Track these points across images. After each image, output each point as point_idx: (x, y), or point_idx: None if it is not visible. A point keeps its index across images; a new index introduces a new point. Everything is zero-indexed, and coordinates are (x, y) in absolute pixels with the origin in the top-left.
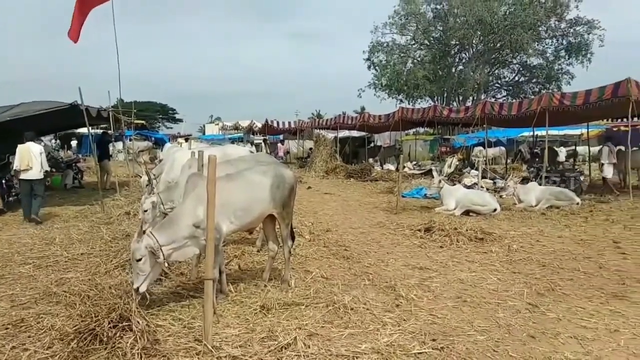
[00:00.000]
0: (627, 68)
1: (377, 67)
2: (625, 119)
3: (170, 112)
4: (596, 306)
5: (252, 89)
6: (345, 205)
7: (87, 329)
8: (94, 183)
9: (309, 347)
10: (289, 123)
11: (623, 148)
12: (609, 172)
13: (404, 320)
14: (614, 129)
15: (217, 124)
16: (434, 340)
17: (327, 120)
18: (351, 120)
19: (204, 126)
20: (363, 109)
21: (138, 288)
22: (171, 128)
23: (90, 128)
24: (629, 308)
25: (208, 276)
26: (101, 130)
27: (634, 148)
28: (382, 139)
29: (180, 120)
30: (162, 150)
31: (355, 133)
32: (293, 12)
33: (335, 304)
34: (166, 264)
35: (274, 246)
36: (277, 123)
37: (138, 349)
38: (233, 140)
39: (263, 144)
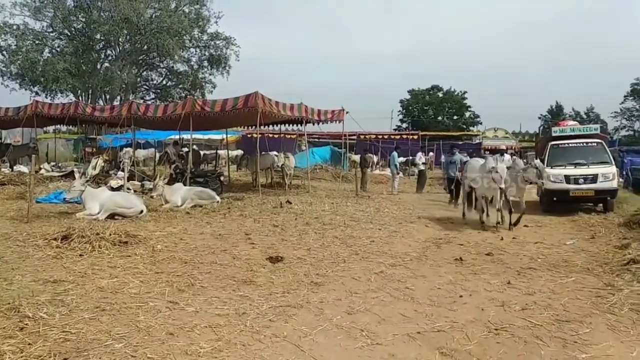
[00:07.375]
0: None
1: (4, 52)
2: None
3: None
4: (229, 294)
5: None
6: None
7: None
8: None
9: None
10: None
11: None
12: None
13: (30, 344)
14: (249, 136)
15: None
16: (65, 359)
17: None
18: None
19: None
20: None
21: None
22: None
23: None
24: (255, 291)
25: None
26: None
27: (263, 153)
28: (13, 136)
29: None
30: None
31: None
32: None
33: None
34: None
35: None
36: None
37: None
38: None
39: None
